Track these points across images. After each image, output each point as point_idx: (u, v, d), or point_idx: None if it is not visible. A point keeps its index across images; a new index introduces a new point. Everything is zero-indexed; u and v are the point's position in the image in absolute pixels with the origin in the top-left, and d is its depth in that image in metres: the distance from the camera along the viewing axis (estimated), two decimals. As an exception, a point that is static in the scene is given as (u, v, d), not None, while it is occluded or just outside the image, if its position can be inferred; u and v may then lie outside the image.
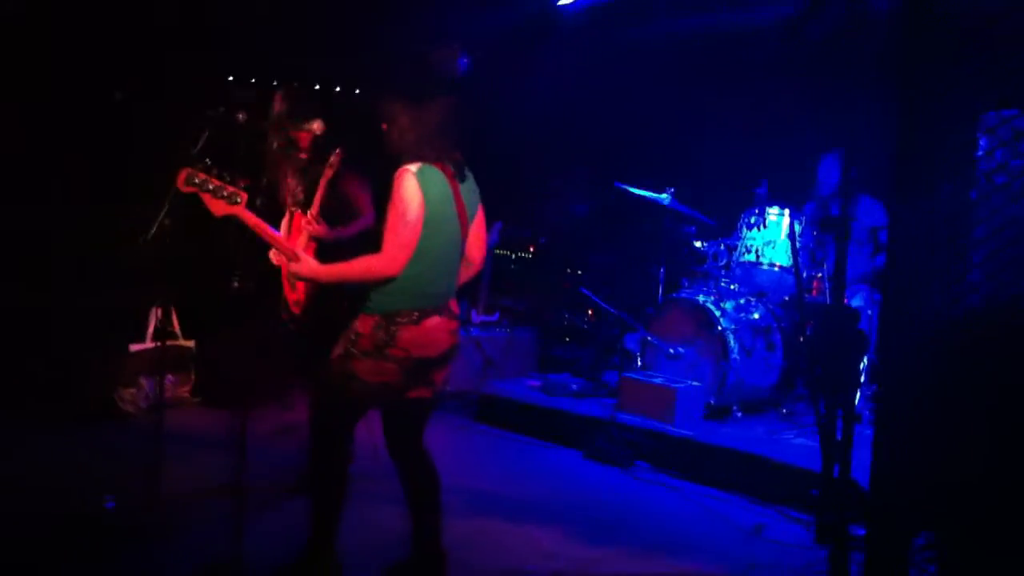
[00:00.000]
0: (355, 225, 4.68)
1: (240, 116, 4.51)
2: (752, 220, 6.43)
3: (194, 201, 3.73)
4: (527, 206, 8.46)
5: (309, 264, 3.70)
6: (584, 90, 7.80)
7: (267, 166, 4.67)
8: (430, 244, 3.55)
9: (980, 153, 4.77)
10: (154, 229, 4.10)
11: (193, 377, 6.54)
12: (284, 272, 4.56)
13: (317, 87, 6.69)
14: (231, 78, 7.73)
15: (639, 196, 6.68)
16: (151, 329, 6.29)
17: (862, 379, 5.82)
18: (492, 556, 4.35)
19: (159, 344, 6.18)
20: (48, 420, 5.85)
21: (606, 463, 5.78)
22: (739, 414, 6.22)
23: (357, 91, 6.28)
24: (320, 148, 4.65)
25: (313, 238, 4.52)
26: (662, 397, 5.91)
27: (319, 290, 4.50)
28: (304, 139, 4.64)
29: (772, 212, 6.37)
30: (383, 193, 3.62)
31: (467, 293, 7.75)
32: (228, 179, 3.62)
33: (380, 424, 3.86)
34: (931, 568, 2.62)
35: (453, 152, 3.67)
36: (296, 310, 4.64)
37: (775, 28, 6.83)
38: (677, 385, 5.93)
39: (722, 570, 4.32)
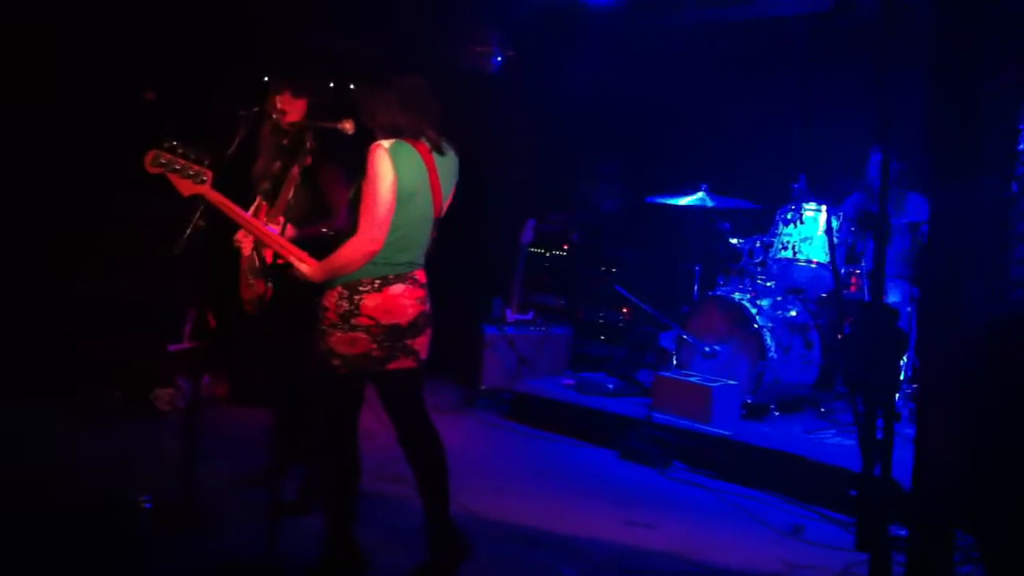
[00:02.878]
0: (324, 225, 4.43)
1: (272, 115, 4.54)
2: (789, 216, 6.35)
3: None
4: (561, 203, 8.42)
5: (305, 268, 3.70)
6: (616, 84, 7.75)
7: (267, 159, 4.62)
8: (400, 218, 3.62)
9: (1022, 146, 4.67)
10: (189, 230, 4.11)
11: (229, 377, 6.57)
12: (243, 266, 4.44)
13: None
14: (266, 78, 7.76)
15: (672, 206, 6.64)
16: (188, 329, 6.33)
17: (902, 377, 5.74)
18: (523, 554, 4.32)
19: (196, 344, 6.22)
20: (86, 415, 5.92)
21: (641, 463, 5.73)
22: (776, 413, 6.15)
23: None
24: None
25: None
26: (698, 396, 5.86)
27: (282, 289, 4.25)
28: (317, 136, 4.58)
29: (809, 208, 6.29)
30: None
31: (501, 291, 7.74)
32: (193, 159, 3.65)
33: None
34: (972, 569, 2.56)
35: (429, 128, 3.71)
36: (250, 308, 4.45)
37: (812, 16, 6.75)
38: (713, 384, 5.87)
39: (757, 571, 4.26)
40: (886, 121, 2.64)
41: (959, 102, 2.70)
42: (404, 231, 3.66)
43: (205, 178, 3.69)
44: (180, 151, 3.68)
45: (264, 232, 3.85)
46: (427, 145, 3.71)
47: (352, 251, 3.61)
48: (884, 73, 2.66)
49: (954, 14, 2.68)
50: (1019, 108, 4.43)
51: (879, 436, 2.62)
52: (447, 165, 3.80)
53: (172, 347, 6.22)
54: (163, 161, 3.67)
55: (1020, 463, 2.16)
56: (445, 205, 3.84)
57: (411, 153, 3.66)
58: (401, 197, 3.61)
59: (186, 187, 3.70)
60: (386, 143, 3.62)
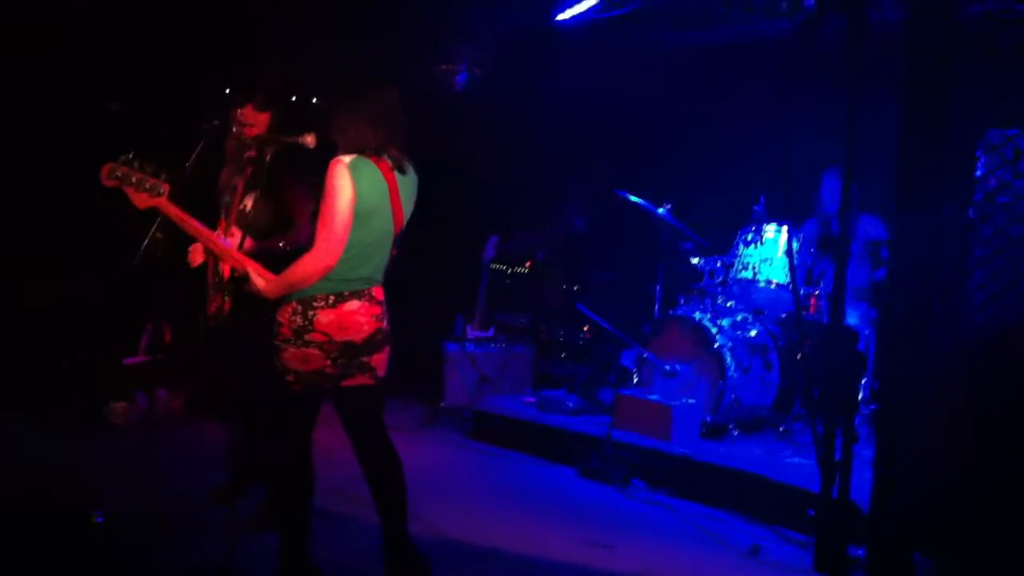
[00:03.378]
0: (283, 239, 4.42)
1: (234, 128, 4.51)
2: (749, 237, 6.39)
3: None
4: (524, 221, 8.43)
5: (259, 282, 3.68)
6: (581, 105, 7.78)
7: (228, 173, 4.59)
8: (358, 236, 3.60)
9: (980, 172, 4.74)
10: (147, 241, 4.08)
11: (187, 391, 6.50)
12: (208, 279, 4.41)
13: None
14: (228, 91, 7.70)
15: (638, 204, 6.64)
16: (145, 342, 6.25)
17: (860, 397, 5.78)
18: (484, 574, 4.29)
19: (152, 358, 6.14)
20: (40, 426, 5.82)
21: (601, 481, 5.72)
22: (735, 433, 6.17)
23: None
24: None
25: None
26: (658, 415, 5.87)
27: (239, 303, 4.20)
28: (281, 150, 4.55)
29: (769, 229, 6.34)
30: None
31: (463, 308, 7.72)
32: (150, 171, 3.62)
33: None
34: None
35: (391, 146, 3.70)
36: (212, 323, 4.42)
37: (774, 41, 6.83)
38: (673, 403, 5.88)
39: (717, 592, 4.27)
40: (852, 145, 2.66)
41: (928, 127, 2.73)
42: (361, 248, 3.64)
43: (162, 191, 3.66)
44: (137, 164, 3.65)
45: (221, 246, 3.81)
46: (389, 163, 3.70)
47: (306, 266, 3.57)
48: (855, 94, 2.69)
49: (925, 38, 2.72)
50: (978, 134, 4.50)
51: (837, 457, 2.64)
52: (407, 184, 3.79)
53: (128, 360, 6.13)
54: (119, 174, 3.63)
55: (974, 485, 2.19)
56: (404, 223, 3.82)
57: (372, 170, 3.64)
58: (360, 214, 3.58)
59: (142, 200, 3.67)
60: (346, 159, 3.60)
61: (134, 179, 3.63)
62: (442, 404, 7.14)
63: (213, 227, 4.08)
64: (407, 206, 3.80)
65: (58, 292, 6.32)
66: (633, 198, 6.64)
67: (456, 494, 5.46)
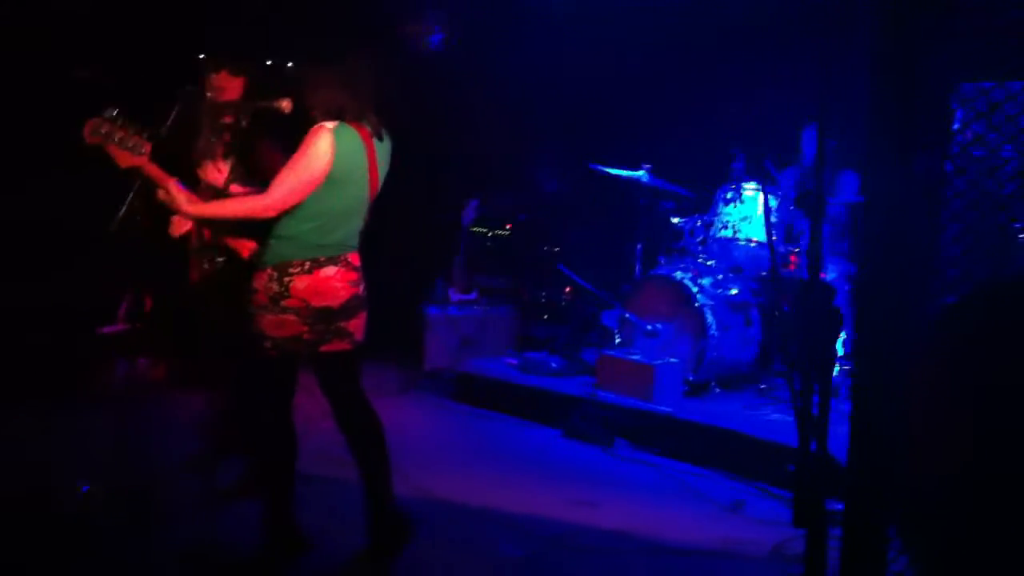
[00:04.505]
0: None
1: (208, 93, 4.46)
2: (728, 196, 6.40)
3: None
4: (503, 183, 8.41)
5: (180, 198, 3.58)
6: (562, 65, 7.72)
7: (205, 140, 4.55)
8: (334, 201, 3.59)
9: (957, 126, 4.75)
10: (123, 209, 4.03)
11: (167, 360, 6.47)
12: (191, 246, 4.39)
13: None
14: (201, 56, 7.61)
15: (615, 176, 6.64)
16: (123, 311, 6.21)
17: (840, 354, 5.82)
18: (470, 533, 4.33)
19: (131, 327, 6.11)
20: (18, 400, 5.78)
21: (585, 441, 5.76)
22: (717, 390, 6.22)
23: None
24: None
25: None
26: (640, 374, 5.90)
27: (225, 270, 4.21)
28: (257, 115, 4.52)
29: (749, 187, 6.35)
30: None
31: (443, 272, 7.71)
32: (133, 130, 3.57)
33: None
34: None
35: (369, 111, 3.68)
36: (198, 289, 4.43)
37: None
38: (655, 362, 5.91)
39: (698, 545, 4.31)
40: (825, 100, 2.66)
41: (897, 77, 2.72)
42: (338, 214, 3.62)
43: (144, 150, 3.60)
44: (120, 121, 3.59)
45: (174, 190, 3.73)
46: (368, 129, 3.67)
47: (247, 207, 3.56)
48: (823, 47, 2.68)
49: None
50: (954, 87, 4.50)
51: (815, 412, 2.66)
52: (384, 150, 3.77)
53: (105, 329, 6.09)
54: (103, 131, 3.56)
55: (948, 448, 2.22)
56: (379, 189, 3.81)
57: (354, 136, 3.61)
58: (337, 179, 3.56)
59: (124, 159, 3.59)
60: (330, 124, 3.57)
61: (117, 137, 3.57)
62: (424, 368, 7.15)
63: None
64: (383, 173, 3.79)
65: (30, 265, 6.27)
66: (609, 170, 6.64)
67: (439, 455, 5.48)
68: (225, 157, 4.29)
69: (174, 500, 4.36)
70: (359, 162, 3.64)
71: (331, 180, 3.55)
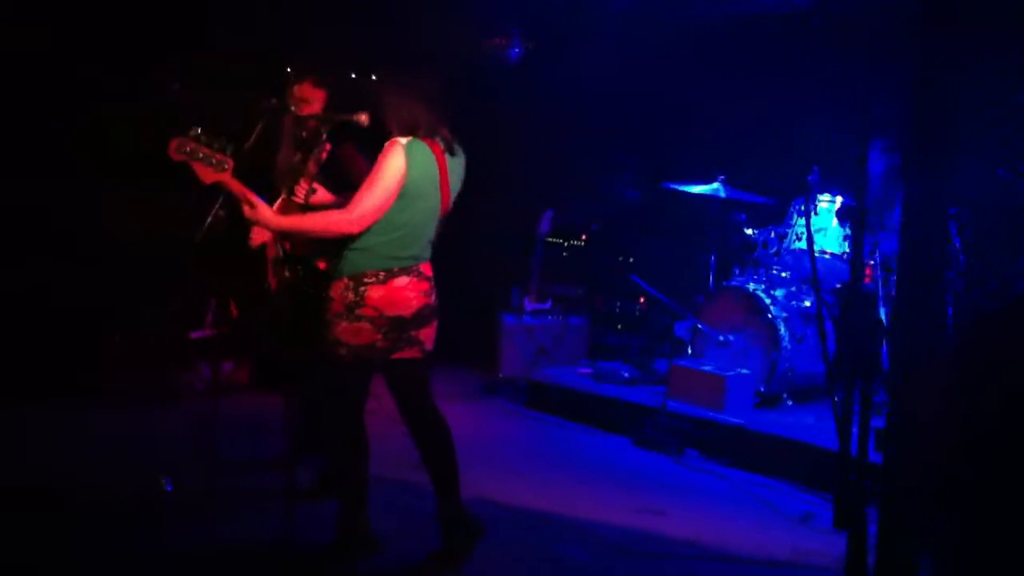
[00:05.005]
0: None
1: (290, 107, 4.63)
2: (803, 207, 6.38)
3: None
4: (580, 194, 8.48)
5: (265, 213, 3.71)
6: (636, 76, 7.77)
7: (288, 151, 4.70)
8: (408, 215, 3.70)
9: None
10: (210, 219, 4.21)
11: (250, 364, 6.70)
12: (269, 255, 4.52)
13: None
14: (289, 69, 7.83)
15: (687, 194, 6.68)
16: (210, 317, 6.45)
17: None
18: (537, 538, 4.41)
19: (217, 331, 6.34)
20: (111, 402, 6.04)
21: (655, 450, 5.80)
22: (789, 402, 6.20)
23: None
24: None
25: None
26: (712, 385, 5.92)
27: (304, 278, 4.29)
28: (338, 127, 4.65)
29: (823, 199, 6.32)
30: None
31: (519, 281, 7.81)
32: (216, 147, 3.73)
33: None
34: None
35: (443, 128, 3.78)
36: (278, 297, 4.50)
37: (824, 9, 6.74)
38: (727, 373, 5.93)
39: (766, 556, 4.33)
40: (867, 117, 2.70)
41: (936, 105, 2.74)
42: (410, 227, 3.74)
43: (227, 166, 3.75)
44: (204, 139, 3.75)
45: (255, 201, 3.88)
46: (440, 145, 3.78)
47: (332, 224, 3.68)
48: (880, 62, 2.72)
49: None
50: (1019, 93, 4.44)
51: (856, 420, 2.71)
52: (456, 165, 3.87)
53: (194, 334, 6.33)
54: (188, 149, 3.72)
55: (978, 455, 2.24)
56: (451, 203, 3.91)
57: (426, 152, 3.72)
58: (411, 194, 3.68)
59: (208, 175, 3.74)
60: (403, 140, 3.69)
61: (201, 154, 3.73)
62: (500, 375, 7.26)
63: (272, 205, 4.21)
64: (455, 187, 3.88)
65: (125, 271, 6.52)
66: (681, 187, 6.68)
67: (511, 461, 5.58)
68: (306, 170, 4.44)
69: (254, 497, 4.54)
70: (431, 177, 3.75)
71: (404, 194, 3.67)
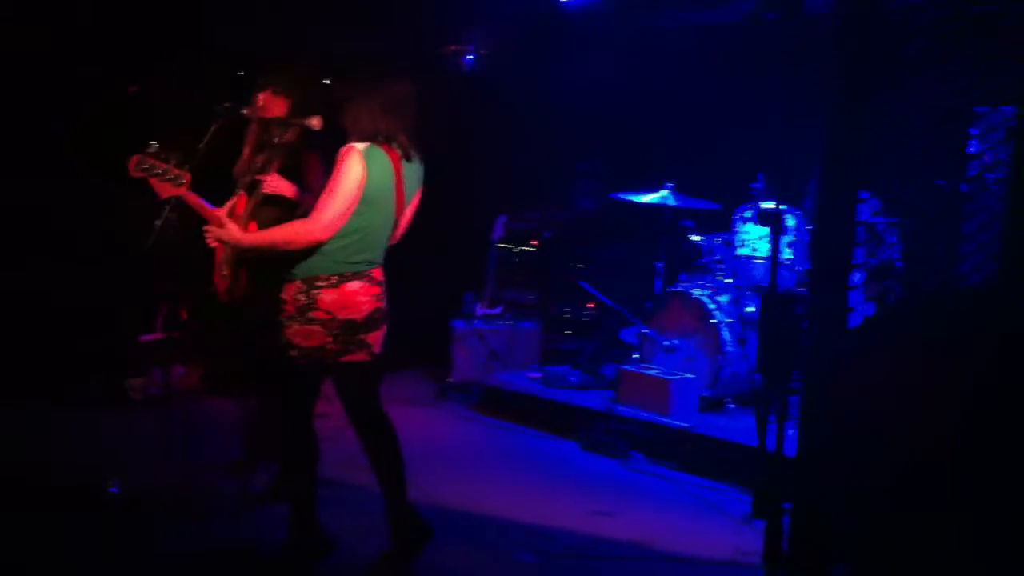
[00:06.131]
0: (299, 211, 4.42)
1: (248, 111, 4.66)
2: (748, 215, 6.51)
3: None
4: (533, 200, 8.56)
5: (231, 230, 3.83)
6: (586, 86, 7.87)
7: (250, 154, 4.75)
8: (362, 221, 3.76)
9: (973, 149, 4.84)
10: (160, 221, 4.24)
11: (202, 367, 6.68)
12: (217, 258, 4.55)
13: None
14: (241, 72, 7.83)
15: (636, 203, 6.79)
16: (160, 320, 6.44)
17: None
18: (487, 540, 4.48)
19: (168, 335, 6.33)
20: (60, 404, 6.02)
21: (603, 454, 5.89)
22: (732, 406, 6.31)
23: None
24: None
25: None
26: (658, 389, 6.02)
27: (250, 279, 4.41)
28: (299, 131, 4.69)
29: (768, 207, 6.45)
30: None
31: (472, 286, 7.88)
32: (174, 162, 3.81)
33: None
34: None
35: (401, 135, 3.84)
36: (225, 298, 4.57)
37: (774, 21, 6.89)
38: (672, 377, 6.04)
39: (710, 556, 4.43)
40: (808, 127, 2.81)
41: (844, 137, 2.87)
42: (365, 232, 3.79)
43: (183, 181, 3.87)
44: (163, 155, 3.84)
45: (218, 217, 3.97)
46: (398, 152, 3.84)
47: (295, 233, 3.72)
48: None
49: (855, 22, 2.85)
50: (968, 112, 4.59)
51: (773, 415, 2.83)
52: (412, 172, 3.93)
53: (145, 337, 6.32)
54: (146, 166, 3.84)
55: (890, 452, 2.36)
56: (407, 210, 3.97)
57: (383, 158, 3.78)
58: (367, 200, 3.74)
59: (165, 190, 3.88)
60: (360, 146, 3.74)
61: (159, 170, 3.85)
62: (451, 379, 7.31)
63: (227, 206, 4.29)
64: (410, 194, 3.95)
65: (74, 274, 6.49)
66: (630, 197, 6.79)
67: (462, 465, 5.64)
68: (266, 172, 4.49)
69: (207, 502, 4.56)
70: (388, 183, 3.81)
71: (361, 200, 3.73)
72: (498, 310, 7.80)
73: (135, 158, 3.83)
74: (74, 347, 6.33)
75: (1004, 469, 2.25)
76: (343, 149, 3.74)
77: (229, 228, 3.84)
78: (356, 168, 3.69)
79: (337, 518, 4.21)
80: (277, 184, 4.41)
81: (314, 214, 3.70)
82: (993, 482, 2.24)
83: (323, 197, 3.70)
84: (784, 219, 6.31)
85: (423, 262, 6.49)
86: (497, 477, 5.46)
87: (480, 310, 7.74)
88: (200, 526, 4.31)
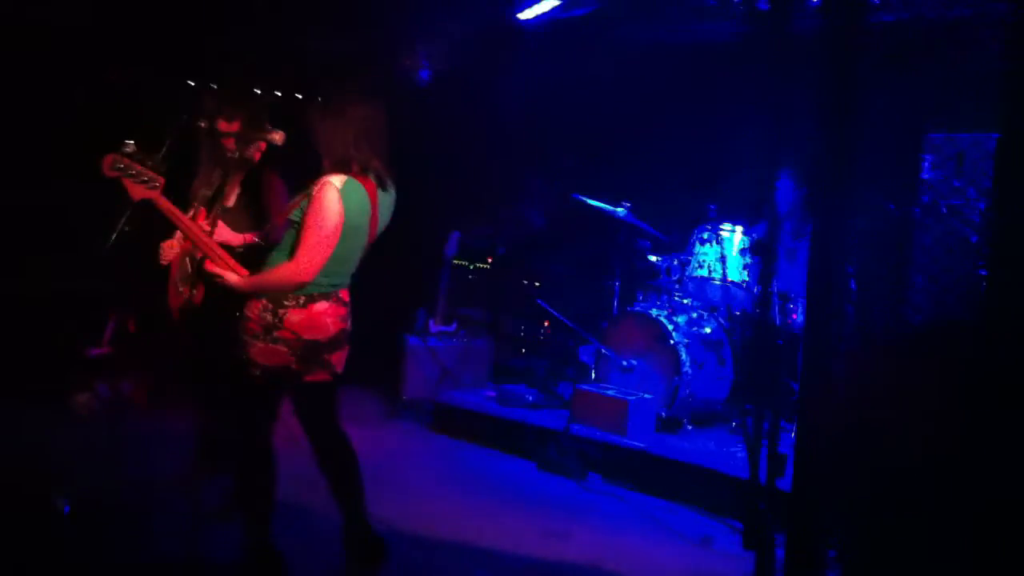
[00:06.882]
0: (258, 234, 4.42)
1: (203, 123, 4.58)
2: (705, 236, 6.55)
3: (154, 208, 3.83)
4: (485, 217, 8.54)
5: (232, 277, 3.77)
6: (542, 103, 7.88)
7: (207, 168, 4.67)
8: (336, 251, 3.72)
9: (927, 175, 4.90)
10: (114, 236, 4.13)
11: (150, 382, 6.54)
12: (173, 274, 4.46)
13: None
14: (193, 83, 7.72)
15: (596, 208, 6.78)
16: (108, 334, 6.29)
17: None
18: (442, 560, 4.42)
19: (116, 349, 6.19)
20: (3, 418, 5.84)
21: (559, 474, 5.86)
22: (689, 427, 6.33)
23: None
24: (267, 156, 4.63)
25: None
26: (614, 409, 6.01)
27: (212, 297, 4.25)
28: (262, 147, 4.65)
29: (725, 228, 6.50)
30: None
31: (424, 303, 7.81)
32: (149, 165, 3.73)
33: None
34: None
35: (375, 161, 3.80)
36: (178, 315, 4.47)
37: (729, 43, 6.97)
38: (629, 397, 6.03)
39: (667, 579, 4.43)
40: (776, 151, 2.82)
41: (836, 144, 2.88)
42: (337, 259, 3.75)
43: (157, 184, 3.76)
44: (137, 156, 3.74)
45: (204, 240, 3.88)
46: (373, 182, 3.80)
47: (284, 276, 3.68)
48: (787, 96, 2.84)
49: (838, 40, 2.86)
50: (922, 136, 4.65)
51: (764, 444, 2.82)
52: (386, 200, 3.91)
53: (92, 351, 6.16)
54: (121, 166, 3.73)
55: (883, 476, 2.36)
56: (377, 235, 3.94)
57: (360, 191, 3.75)
58: (344, 233, 3.70)
59: (138, 192, 3.76)
60: (337, 181, 3.69)
61: (133, 171, 3.74)
62: (404, 397, 7.24)
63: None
64: (383, 222, 3.93)
65: (21, 282, 6.33)
66: (590, 201, 6.78)
67: (415, 485, 5.57)
68: (229, 187, 4.41)
69: (158, 519, 4.44)
70: (364, 217, 3.79)
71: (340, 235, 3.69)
72: (452, 327, 7.75)
73: (110, 157, 3.72)
74: (18, 359, 6.16)
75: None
76: (319, 184, 3.69)
77: (229, 275, 3.77)
78: (335, 206, 3.65)
79: (291, 536, 4.13)
80: (221, 233, 4.27)
81: (299, 257, 3.65)
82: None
83: (304, 238, 3.65)
84: (741, 239, 6.36)
85: (374, 278, 6.42)
86: (451, 498, 5.39)
87: (434, 327, 7.69)
88: (149, 543, 4.21)
